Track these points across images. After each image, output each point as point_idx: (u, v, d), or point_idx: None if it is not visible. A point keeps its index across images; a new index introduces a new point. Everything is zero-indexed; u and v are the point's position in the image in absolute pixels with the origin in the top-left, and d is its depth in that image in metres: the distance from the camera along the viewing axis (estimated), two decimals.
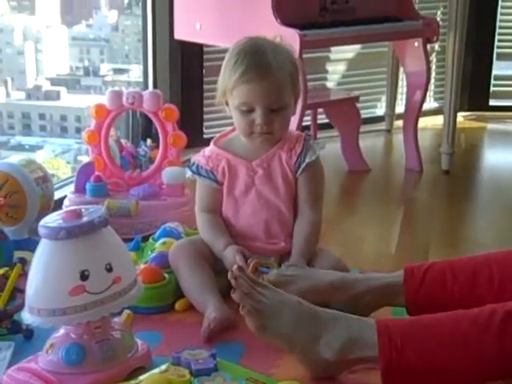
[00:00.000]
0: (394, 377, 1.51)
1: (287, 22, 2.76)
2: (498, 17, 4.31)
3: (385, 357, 1.50)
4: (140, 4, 3.44)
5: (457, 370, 1.49)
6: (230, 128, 2.13)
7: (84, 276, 1.52)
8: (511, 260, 1.73)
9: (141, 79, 3.54)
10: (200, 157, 2.10)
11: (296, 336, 1.60)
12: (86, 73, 4.57)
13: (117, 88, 2.65)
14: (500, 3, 4.30)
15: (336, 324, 1.59)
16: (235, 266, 1.70)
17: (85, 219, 1.56)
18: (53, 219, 1.57)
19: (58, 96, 4.57)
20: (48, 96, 4.65)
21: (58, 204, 2.57)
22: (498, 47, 4.37)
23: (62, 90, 4.53)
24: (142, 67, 3.49)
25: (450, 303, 1.69)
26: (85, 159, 2.87)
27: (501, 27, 4.35)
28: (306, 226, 2.05)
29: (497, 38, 4.34)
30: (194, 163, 2.10)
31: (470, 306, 1.59)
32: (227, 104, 2.04)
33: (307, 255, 2.01)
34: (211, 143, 2.12)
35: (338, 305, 1.74)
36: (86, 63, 4.54)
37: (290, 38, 2.68)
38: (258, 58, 1.96)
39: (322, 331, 1.58)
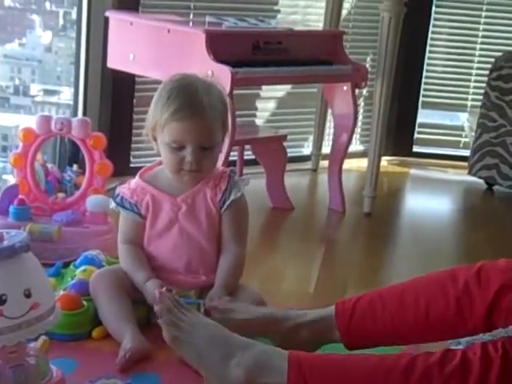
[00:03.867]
0: None
1: (220, 59, 2.80)
2: (425, 67, 4.45)
3: None
4: (74, 27, 3.45)
5: None
6: (157, 159, 2.13)
7: (1, 300, 1.51)
8: (433, 281, 1.78)
9: (71, 102, 3.53)
10: (125, 189, 2.10)
11: (207, 353, 1.62)
12: (16, 92, 4.52)
13: (46, 113, 2.64)
14: (427, 54, 4.44)
15: (249, 347, 1.62)
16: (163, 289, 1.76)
17: (5, 243, 1.55)
18: None
19: None
20: None
21: None
22: (424, 96, 4.50)
23: None
24: (73, 91, 3.48)
25: (381, 331, 1.75)
26: (10, 178, 2.84)
27: (427, 77, 4.48)
28: (229, 260, 2.07)
29: (422, 86, 4.47)
30: (118, 195, 2.10)
31: (401, 332, 1.68)
32: (155, 139, 2.04)
33: (229, 288, 2.03)
34: (137, 176, 2.12)
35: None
36: (17, 82, 4.48)
37: (222, 74, 2.73)
38: (191, 97, 1.97)
39: (234, 351, 1.60)
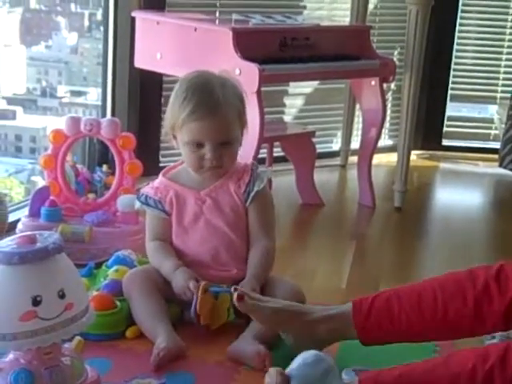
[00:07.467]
0: None
1: (247, 56, 2.80)
2: (453, 59, 4.41)
3: None
4: (101, 28, 3.46)
5: None
6: (180, 159, 2.16)
7: (36, 302, 1.52)
8: (451, 281, 1.78)
9: (98, 102, 3.54)
10: (148, 188, 2.14)
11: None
12: (43, 93, 4.55)
13: (75, 114, 2.65)
14: (455, 47, 4.40)
15: None
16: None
17: (39, 245, 1.56)
18: (6, 244, 1.57)
19: (13, 116, 4.54)
20: (3, 115, 4.62)
21: (12, 227, 2.57)
22: (452, 89, 4.46)
23: (18, 109, 4.50)
24: (100, 91, 3.50)
25: (398, 330, 1.75)
26: (38, 180, 2.86)
27: (455, 69, 4.44)
28: (258, 252, 2.09)
29: (451, 79, 4.44)
30: (142, 194, 2.13)
31: (418, 331, 1.68)
32: (175, 137, 2.07)
33: (261, 278, 2.04)
34: (160, 175, 2.15)
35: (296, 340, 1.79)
36: (44, 84, 4.52)
37: (250, 71, 2.73)
38: (206, 96, 1.99)
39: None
